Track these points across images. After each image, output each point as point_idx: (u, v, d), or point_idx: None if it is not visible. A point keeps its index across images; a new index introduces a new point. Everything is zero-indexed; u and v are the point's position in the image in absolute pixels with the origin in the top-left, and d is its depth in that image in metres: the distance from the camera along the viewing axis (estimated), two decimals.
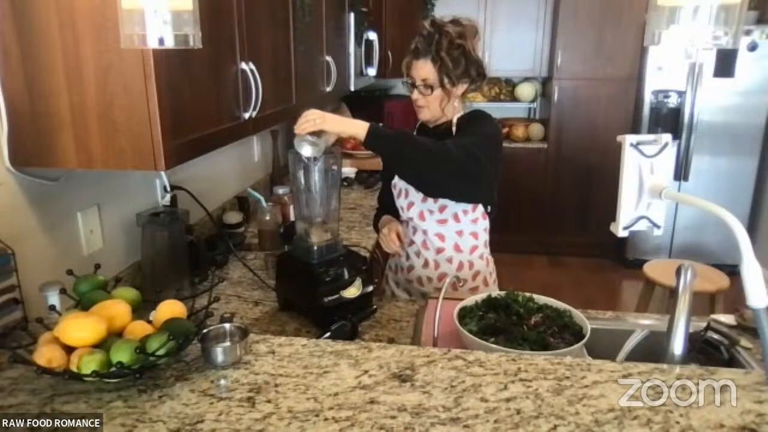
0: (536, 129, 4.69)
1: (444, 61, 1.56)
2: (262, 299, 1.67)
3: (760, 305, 1.04)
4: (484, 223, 1.72)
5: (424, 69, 1.59)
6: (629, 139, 1.24)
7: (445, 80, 1.59)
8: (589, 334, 1.27)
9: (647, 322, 1.51)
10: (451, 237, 1.70)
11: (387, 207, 1.85)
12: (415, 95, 1.63)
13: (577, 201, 4.64)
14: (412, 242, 1.77)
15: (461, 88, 1.63)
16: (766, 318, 1.04)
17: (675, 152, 4.16)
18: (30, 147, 1.18)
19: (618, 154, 1.25)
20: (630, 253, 4.48)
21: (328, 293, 1.45)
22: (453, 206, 1.66)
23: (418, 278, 1.77)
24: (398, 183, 1.76)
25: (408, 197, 1.73)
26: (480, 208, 1.68)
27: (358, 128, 1.39)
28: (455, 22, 1.60)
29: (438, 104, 1.63)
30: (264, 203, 2.11)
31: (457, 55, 1.57)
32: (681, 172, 4.25)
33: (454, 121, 1.66)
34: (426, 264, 1.75)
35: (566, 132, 4.57)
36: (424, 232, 1.73)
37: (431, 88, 1.60)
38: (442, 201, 1.65)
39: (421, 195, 1.68)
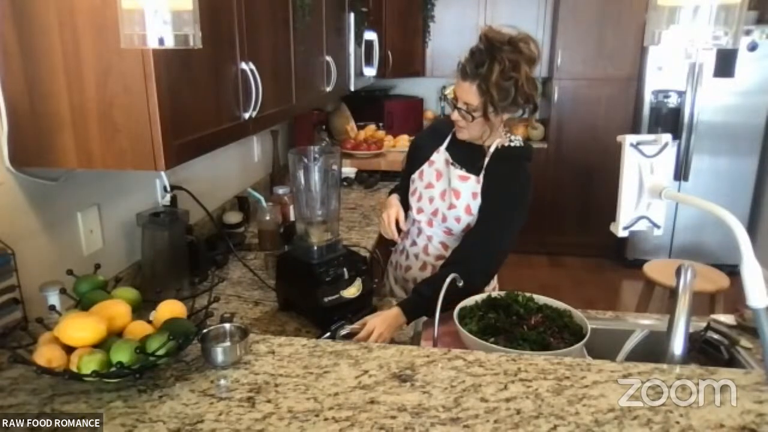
0: (536, 129, 4.69)
1: (491, 92, 1.45)
2: (262, 299, 1.67)
3: (760, 305, 1.04)
4: None
5: (469, 93, 1.48)
6: (629, 139, 1.24)
7: (490, 110, 1.48)
8: (589, 334, 1.27)
9: (647, 322, 1.51)
10: (453, 248, 1.68)
11: (405, 189, 1.79)
12: (455, 116, 1.54)
13: (577, 201, 4.64)
14: (414, 243, 1.76)
15: (505, 116, 1.54)
16: (766, 318, 1.04)
17: (675, 152, 4.16)
18: (30, 147, 1.18)
19: (618, 154, 1.26)
20: (630, 253, 4.48)
21: (328, 293, 1.45)
22: (458, 232, 1.64)
23: (414, 279, 1.76)
24: (416, 182, 1.73)
25: (420, 201, 1.70)
26: None
27: (401, 321, 1.45)
28: (513, 43, 1.44)
29: (478, 129, 1.55)
30: (264, 203, 2.11)
31: (507, 86, 1.44)
32: (681, 172, 4.25)
33: (491, 150, 1.58)
34: (424, 267, 1.74)
35: (566, 132, 4.57)
36: (429, 238, 1.71)
37: (471, 115, 1.51)
38: (449, 224, 1.63)
39: (433, 207, 1.66)
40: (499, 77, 1.43)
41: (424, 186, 1.69)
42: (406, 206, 1.75)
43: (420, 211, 1.70)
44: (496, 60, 1.42)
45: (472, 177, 1.59)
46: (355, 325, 1.42)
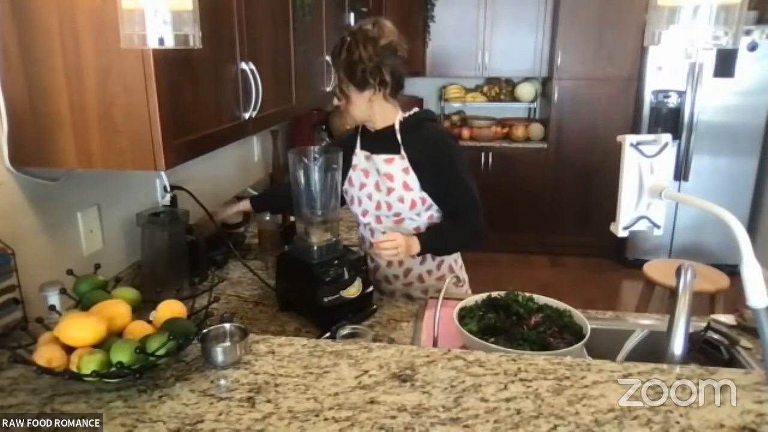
0: (536, 129, 4.69)
1: (339, 72, 1.62)
2: (262, 299, 1.67)
3: (760, 305, 1.04)
4: (439, 215, 1.70)
5: (334, 78, 1.68)
6: (629, 139, 1.24)
7: (343, 87, 1.63)
8: (589, 334, 1.27)
9: (647, 322, 1.51)
10: (407, 231, 1.67)
11: (274, 197, 2.04)
12: (336, 102, 1.71)
13: (577, 201, 4.64)
14: (371, 245, 1.73)
15: (366, 94, 1.61)
16: (766, 318, 1.04)
17: (675, 152, 4.16)
18: (30, 147, 1.18)
19: (618, 154, 1.25)
20: (630, 253, 4.48)
21: (328, 293, 1.45)
22: (407, 212, 1.66)
23: (385, 277, 1.77)
24: (350, 190, 1.75)
25: (362, 205, 1.73)
26: (434, 207, 1.68)
27: (417, 249, 1.58)
28: (360, 27, 1.60)
29: (354, 109, 1.65)
30: None
31: (352, 63, 1.57)
32: (681, 172, 4.25)
33: (397, 126, 1.65)
34: (390, 263, 1.74)
35: (566, 132, 4.57)
36: (383, 233, 1.70)
37: (338, 95, 1.67)
38: (396, 209, 1.65)
39: (374, 203, 1.69)
40: (345, 57, 1.58)
41: (358, 188, 1.73)
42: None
43: (365, 213, 1.73)
44: (342, 43, 1.60)
45: (395, 156, 1.65)
46: (381, 237, 1.55)
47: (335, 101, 1.69)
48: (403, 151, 1.64)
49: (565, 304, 1.40)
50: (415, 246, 1.57)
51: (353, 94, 1.62)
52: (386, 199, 1.66)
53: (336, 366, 1.12)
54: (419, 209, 1.65)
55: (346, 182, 1.76)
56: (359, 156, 1.73)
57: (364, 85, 1.60)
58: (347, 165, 1.75)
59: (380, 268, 1.77)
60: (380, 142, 1.68)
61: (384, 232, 1.69)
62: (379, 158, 1.66)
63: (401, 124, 1.66)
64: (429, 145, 1.63)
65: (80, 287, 1.21)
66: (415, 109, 1.71)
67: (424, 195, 1.64)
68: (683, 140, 4.19)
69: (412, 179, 1.63)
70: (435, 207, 1.68)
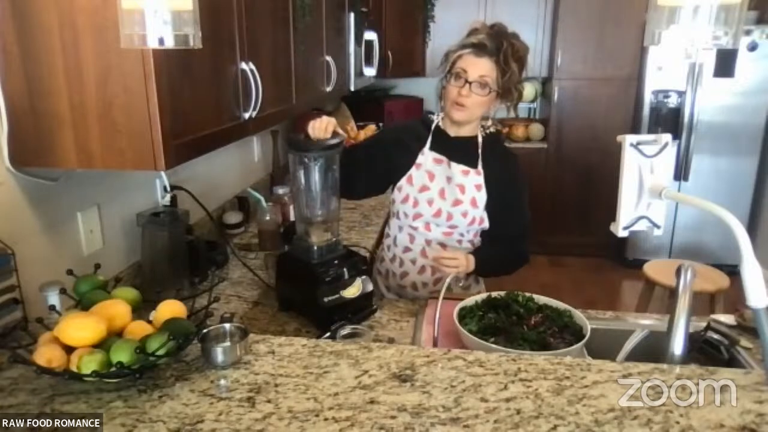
0: (536, 129, 4.69)
1: (510, 69, 1.53)
2: (262, 299, 1.67)
3: (760, 305, 1.04)
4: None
5: (486, 67, 1.53)
6: (629, 139, 1.24)
7: (504, 85, 1.56)
8: (589, 334, 1.27)
9: (647, 322, 1.51)
10: (452, 246, 1.66)
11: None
12: (465, 91, 1.54)
13: (577, 201, 4.64)
14: (407, 249, 1.71)
15: (498, 102, 1.60)
16: (766, 318, 1.04)
17: (675, 152, 4.16)
18: (30, 147, 1.18)
19: (618, 154, 1.25)
20: (630, 253, 4.48)
21: (328, 293, 1.45)
22: (463, 227, 1.64)
23: (412, 284, 1.74)
24: (406, 187, 1.67)
25: (417, 207, 1.65)
26: (485, 227, 1.67)
27: (472, 267, 1.59)
28: (516, 36, 1.56)
29: (479, 108, 1.58)
30: (264, 203, 2.11)
31: (518, 70, 1.55)
32: (681, 172, 4.25)
33: (479, 141, 1.63)
34: (422, 270, 1.71)
35: (566, 132, 4.57)
36: (427, 242, 1.68)
37: (487, 89, 1.54)
38: (455, 221, 1.63)
39: (434, 209, 1.63)
40: (516, 59, 1.54)
41: (418, 190, 1.65)
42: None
43: (417, 216, 1.66)
44: (512, 45, 1.54)
45: (472, 170, 1.62)
46: (444, 253, 1.57)
47: (464, 90, 1.54)
48: (480, 167, 1.62)
49: (565, 304, 1.40)
50: (472, 265, 1.58)
51: (494, 95, 1.57)
52: (449, 209, 1.62)
53: (336, 366, 1.12)
54: (474, 227, 1.65)
55: (404, 180, 1.68)
56: (427, 156, 1.67)
57: (510, 94, 1.58)
58: (407, 161, 1.68)
59: (408, 274, 1.74)
60: (458, 150, 1.64)
61: (439, 245, 1.67)
62: (458, 168, 1.63)
63: (484, 139, 1.65)
64: (504, 165, 1.64)
65: (80, 287, 1.21)
66: (490, 128, 1.69)
67: (485, 215, 1.63)
68: (683, 140, 4.19)
69: (482, 197, 1.62)
70: (485, 228, 1.67)
